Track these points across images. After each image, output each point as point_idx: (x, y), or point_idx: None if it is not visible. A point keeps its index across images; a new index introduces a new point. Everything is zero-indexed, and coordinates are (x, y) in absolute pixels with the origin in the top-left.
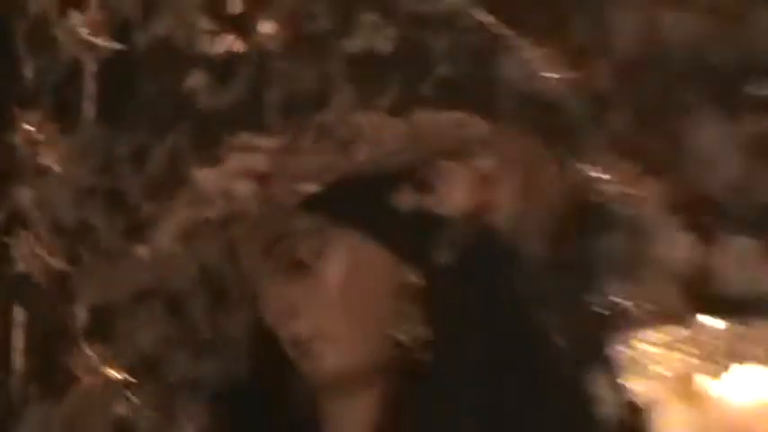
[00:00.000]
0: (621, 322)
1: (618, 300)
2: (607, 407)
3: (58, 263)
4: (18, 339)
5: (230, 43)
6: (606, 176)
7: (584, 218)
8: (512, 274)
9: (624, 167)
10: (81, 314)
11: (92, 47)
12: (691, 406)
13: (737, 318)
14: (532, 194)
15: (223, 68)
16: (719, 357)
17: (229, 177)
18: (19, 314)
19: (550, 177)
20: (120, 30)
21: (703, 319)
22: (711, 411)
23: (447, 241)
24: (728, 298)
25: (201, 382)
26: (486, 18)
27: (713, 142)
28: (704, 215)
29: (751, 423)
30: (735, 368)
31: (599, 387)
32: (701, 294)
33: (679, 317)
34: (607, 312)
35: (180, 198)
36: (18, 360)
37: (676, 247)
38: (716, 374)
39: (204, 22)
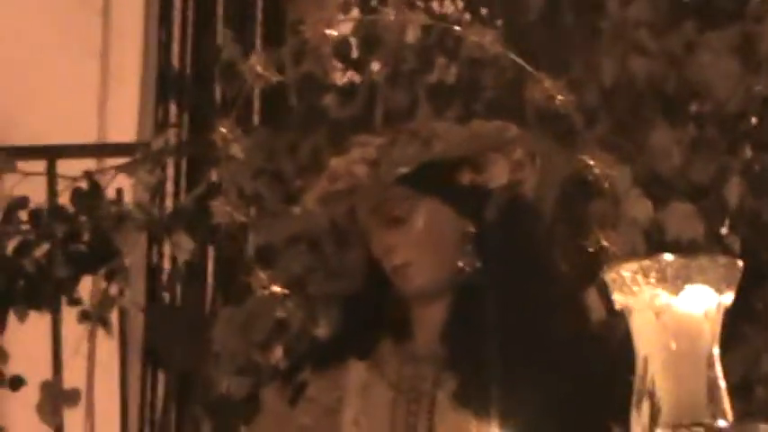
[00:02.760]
0: (604, 257)
1: (603, 242)
2: (595, 313)
3: (240, 217)
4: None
5: (352, 76)
6: (595, 163)
7: (581, 189)
8: (534, 224)
9: (606, 157)
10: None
11: (262, 78)
12: (655, 314)
13: (680, 254)
14: (547, 174)
15: (347, 92)
16: (674, 280)
17: (351, 163)
18: (211, 251)
19: (559, 163)
20: (280, 67)
21: (660, 254)
22: (670, 317)
23: (492, 204)
24: (674, 241)
25: (332, 295)
26: (518, 59)
27: (664, 141)
28: (658, 188)
29: (696, 325)
30: (686, 288)
31: (590, 300)
32: (656, 239)
33: (642, 254)
34: (594, 248)
35: (321, 176)
36: (210, 280)
37: (640, 208)
38: (674, 292)
39: (335, 63)
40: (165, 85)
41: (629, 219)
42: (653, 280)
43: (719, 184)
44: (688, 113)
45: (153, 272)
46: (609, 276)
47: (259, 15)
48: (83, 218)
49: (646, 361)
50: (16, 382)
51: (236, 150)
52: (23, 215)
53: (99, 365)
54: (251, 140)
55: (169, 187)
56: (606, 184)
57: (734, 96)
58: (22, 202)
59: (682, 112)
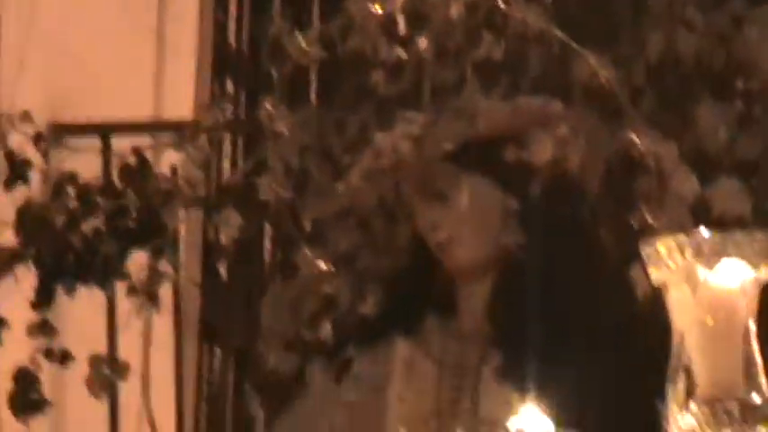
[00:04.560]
0: (648, 231)
1: (648, 219)
2: (639, 287)
3: (286, 193)
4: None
5: (399, 53)
6: (640, 139)
7: (627, 166)
8: (578, 201)
9: (652, 134)
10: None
11: (308, 55)
12: (692, 289)
13: (723, 229)
14: (592, 151)
15: (394, 69)
16: (710, 255)
17: (397, 139)
18: (267, 228)
19: (604, 140)
20: (328, 43)
21: (701, 229)
22: (706, 292)
23: (536, 181)
24: (719, 216)
25: (379, 272)
26: (563, 35)
27: (710, 117)
28: (705, 165)
29: (732, 300)
30: (722, 262)
31: (634, 274)
32: (703, 215)
33: (685, 228)
34: (639, 225)
35: (365, 152)
36: (267, 256)
37: (686, 185)
38: (710, 267)
39: (382, 40)
40: (221, 62)
41: (676, 195)
42: (689, 255)
43: (767, 161)
44: (735, 90)
45: (209, 248)
46: (646, 252)
47: None
48: (132, 193)
49: (682, 336)
50: (65, 357)
51: (282, 127)
52: (72, 191)
53: (157, 341)
54: (298, 117)
55: (227, 164)
56: (652, 161)
57: None
58: (71, 177)
59: (728, 89)
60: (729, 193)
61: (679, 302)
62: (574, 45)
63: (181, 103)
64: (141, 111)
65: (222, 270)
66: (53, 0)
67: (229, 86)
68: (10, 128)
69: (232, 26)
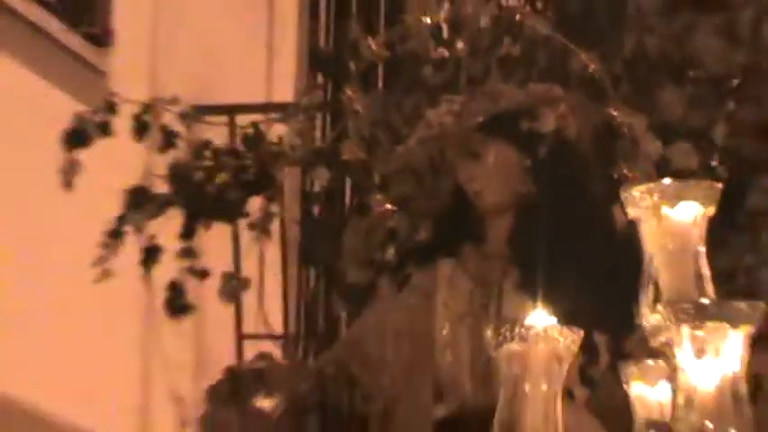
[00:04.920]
0: (624, 181)
1: (624, 170)
2: (619, 221)
3: (361, 155)
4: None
5: (443, 52)
6: (618, 114)
7: (609, 133)
8: (574, 158)
9: (627, 110)
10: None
11: (377, 54)
12: (657, 222)
13: (680, 179)
14: (584, 123)
15: (438, 64)
16: (671, 197)
17: (442, 114)
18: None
19: (591, 115)
20: (391, 45)
21: (664, 179)
22: (668, 224)
23: (544, 144)
24: (678, 170)
25: (429, 211)
26: (563, 38)
27: (670, 98)
28: (666, 132)
29: (687, 230)
30: (680, 203)
31: (615, 211)
32: (664, 169)
33: (652, 178)
34: (618, 176)
35: (419, 125)
36: (347, 200)
37: (652, 147)
38: (671, 206)
39: (431, 42)
40: (314, 59)
41: (644, 154)
42: (656, 197)
43: (711, 129)
44: (687, 77)
45: (306, 195)
46: (624, 195)
47: (383, 8)
48: (250, 155)
49: (651, 257)
50: (204, 274)
51: (358, 107)
52: (207, 154)
53: (268, 262)
54: (369, 100)
55: (318, 134)
56: (627, 130)
57: (721, 65)
58: (206, 143)
59: (683, 77)
60: (683, 153)
61: (648, 232)
62: (570, 45)
63: (286, 90)
64: (257, 96)
65: (315, 211)
66: (196, 16)
67: (320, 77)
68: (163, 109)
69: (322, 33)
